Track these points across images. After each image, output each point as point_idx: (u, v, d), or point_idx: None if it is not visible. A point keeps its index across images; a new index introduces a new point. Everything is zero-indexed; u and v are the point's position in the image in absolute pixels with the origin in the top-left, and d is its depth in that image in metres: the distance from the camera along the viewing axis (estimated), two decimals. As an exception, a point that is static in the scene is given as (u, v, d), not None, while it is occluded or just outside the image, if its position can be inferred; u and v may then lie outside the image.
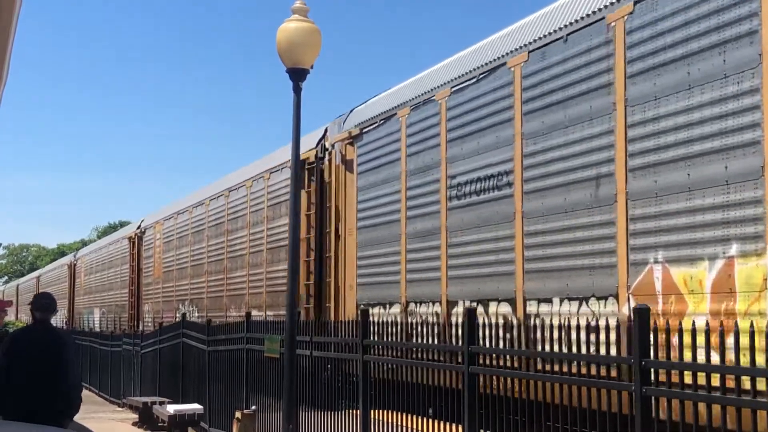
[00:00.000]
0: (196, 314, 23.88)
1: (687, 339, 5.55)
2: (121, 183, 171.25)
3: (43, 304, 8.35)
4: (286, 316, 10.88)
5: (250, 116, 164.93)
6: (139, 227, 32.64)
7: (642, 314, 5.88)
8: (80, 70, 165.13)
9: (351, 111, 15.91)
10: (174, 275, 27.15)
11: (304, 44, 10.53)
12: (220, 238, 22.55)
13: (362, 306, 14.02)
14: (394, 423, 8.84)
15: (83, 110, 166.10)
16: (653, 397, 5.82)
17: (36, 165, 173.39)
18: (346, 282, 15.20)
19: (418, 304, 12.80)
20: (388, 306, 13.63)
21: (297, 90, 10.69)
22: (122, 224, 77.04)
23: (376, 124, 14.49)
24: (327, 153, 16.17)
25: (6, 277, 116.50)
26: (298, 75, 10.63)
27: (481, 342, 7.56)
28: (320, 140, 16.56)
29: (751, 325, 5.19)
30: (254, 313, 17.79)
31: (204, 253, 23.96)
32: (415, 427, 8.48)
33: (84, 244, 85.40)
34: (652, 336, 5.84)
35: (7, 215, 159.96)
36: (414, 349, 8.75)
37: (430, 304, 12.43)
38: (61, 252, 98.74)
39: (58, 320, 45.31)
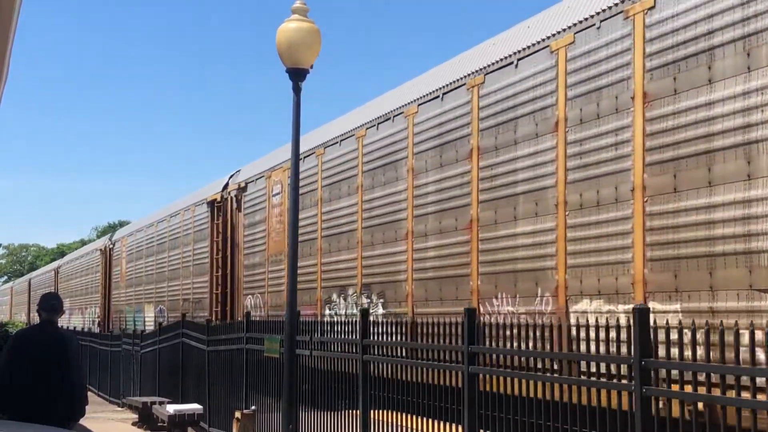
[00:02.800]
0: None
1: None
2: (121, 183, 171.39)
3: (51, 304, 8.35)
4: (286, 316, 10.88)
5: (250, 116, 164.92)
6: (226, 186, 23.17)
7: (642, 314, 5.88)
8: (80, 70, 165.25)
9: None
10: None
11: (303, 44, 10.53)
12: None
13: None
14: (394, 423, 8.84)
15: (83, 110, 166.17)
16: (653, 397, 5.82)
17: (36, 165, 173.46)
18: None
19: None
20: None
21: (297, 90, 10.68)
22: (122, 224, 76.81)
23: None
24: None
25: (6, 277, 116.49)
26: (297, 75, 10.63)
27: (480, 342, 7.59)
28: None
29: (751, 325, 5.20)
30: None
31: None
32: (415, 427, 8.48)
33: (83, 243, 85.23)
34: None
35: (7, 215, 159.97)
36: (414, 349, 8.75)
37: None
38: (60, 252, 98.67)
39: (87, 321, 41.66)
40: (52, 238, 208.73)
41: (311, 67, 10.73)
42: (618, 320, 6.37)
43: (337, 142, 16.02)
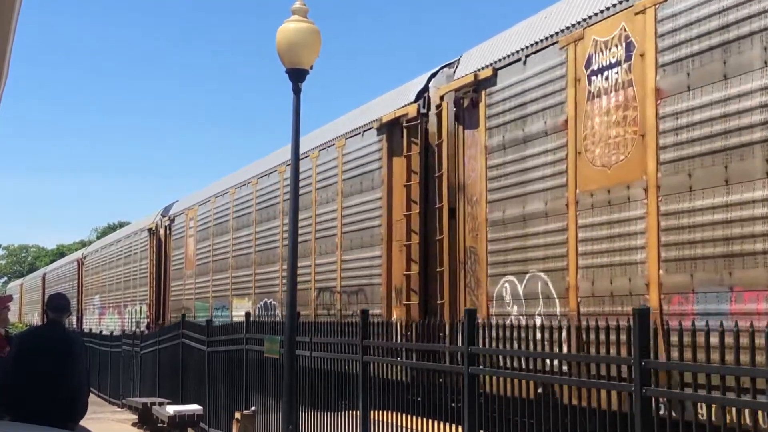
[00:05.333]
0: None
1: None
2: (121, 183, 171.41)
3: (59, 304, 8.35)
4: (286, 316, 10.87)
5: (250, 117, 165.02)
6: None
7: (642, 315, 5.88)
8: (80, 70, 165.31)
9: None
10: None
11: (303, 45, 10.53)
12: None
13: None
14: (394, 423, 8.84)
15: (83, 110, 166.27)
16: (653, 398, 5.82)
17: (35, 165, 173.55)
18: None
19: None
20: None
21: (296, 91, 10.69)
22: (122, 224, 76.66)
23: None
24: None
25: (6, 278, 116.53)
26: (297, 75, 10.63)
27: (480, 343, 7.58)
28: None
29: (751, 325, 5.20)
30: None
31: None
32: (415, 427, 8.48)
33: (83, 244, 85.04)
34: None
35: (7, 216, 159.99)
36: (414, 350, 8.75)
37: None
38: (60, 252, 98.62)
39: (128, 323, 31.94)
40: (52, 239, 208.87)
41: (311, 67, 10.73)
42: (618, 321, 6.36)
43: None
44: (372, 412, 9.30)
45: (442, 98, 11.93)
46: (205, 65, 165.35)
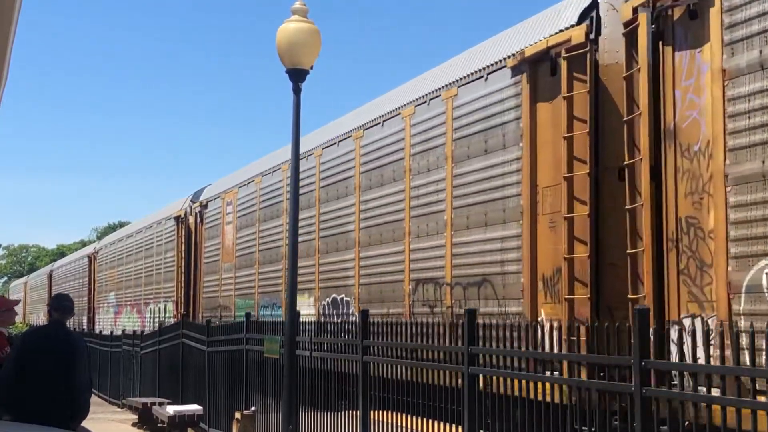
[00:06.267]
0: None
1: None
2: (121, 183, 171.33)
3: (64, 305, 8.37)
4: (285, 316, 10.88)
5: (250, 117, 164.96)
6: None
7: (642, 315, 5.88)
8: (80, 70, 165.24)
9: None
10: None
11: (303, 45, 10.54)
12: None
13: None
14: (394, 423, 8.84)
15: (83, 110, 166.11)
16: (653, 398, 5.82)
17: (35, 165, 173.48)
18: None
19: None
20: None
21: (297, 91, 10.69)
22: (122, 224, 76.60)
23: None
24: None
25: (6, 278, 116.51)
26: (297, 76, 10.64)
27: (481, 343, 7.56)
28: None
29: (751, 326, 5.20)
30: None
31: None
32: (414, 427, 8.48)
33: (83, 244, 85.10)
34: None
35: (7, 216, 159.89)
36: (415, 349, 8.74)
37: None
38: (60, 252, 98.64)
39: (149, 323, 28.38)
40: (52, 239, 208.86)
41: (311, 67, 10.74)
42: (618, 321, 6.36)
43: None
44: (372, 412, 9.30)
45: (635, 11, 8.68)
46: (205, 65, 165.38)
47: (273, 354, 11.80)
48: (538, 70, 10.38)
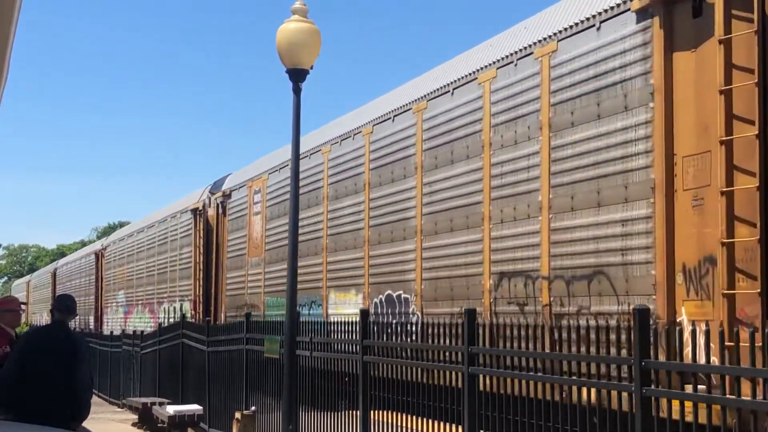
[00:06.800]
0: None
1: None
2: (121, 183, 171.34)
3: (67, 306, 8.38)
4: (285, 317, 10.87)
5: (250, 117, 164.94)
6: None
7: (642, 315, 5.88)
8: (80, 70, 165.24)
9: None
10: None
11: (303, 45, 10.53)
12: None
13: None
14: (394, 423, 8.84)
15: (83, 110, 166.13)
16: (653, 398, 5.82)
17: (35, 165, 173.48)
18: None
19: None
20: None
21: (297, 91, 10.68)
22: (122, 224, 76.43)
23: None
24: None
25: (6, 278, 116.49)
26: (297, 75, 10.63)
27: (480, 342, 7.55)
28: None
29: (751, 326, 5.19)
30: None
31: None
32: (415, 427, 8.48)
33: (84, 244, 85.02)
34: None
35: (7, 216, 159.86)
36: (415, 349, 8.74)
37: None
38: (60, 252, 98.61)
39: (165, 322, 23.88)
40: (52, 239, 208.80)
41: (311, 67, 10.74)
42: (618, 321, 6.35)
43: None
44: (372, 412, 9.30)
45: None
46: (205, 65, 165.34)
47: (273, 354, 11.80)
48: (674, 11, 8.49)
